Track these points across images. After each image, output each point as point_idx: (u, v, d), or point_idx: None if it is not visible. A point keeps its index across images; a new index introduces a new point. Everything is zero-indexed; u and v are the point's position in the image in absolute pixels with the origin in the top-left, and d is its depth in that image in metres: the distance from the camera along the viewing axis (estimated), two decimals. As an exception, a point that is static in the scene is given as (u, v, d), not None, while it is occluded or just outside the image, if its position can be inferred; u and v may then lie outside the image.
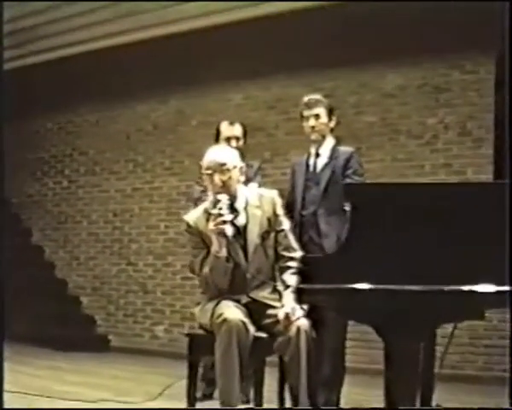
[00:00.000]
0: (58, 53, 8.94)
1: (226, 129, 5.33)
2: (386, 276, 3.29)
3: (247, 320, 3.81)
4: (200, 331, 4.06)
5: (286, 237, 4.09)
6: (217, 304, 3.93)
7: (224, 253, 3.89)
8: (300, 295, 3.74)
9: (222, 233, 3.85)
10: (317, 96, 4.95)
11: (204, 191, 4.96)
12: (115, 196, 9.18)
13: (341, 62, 7.48)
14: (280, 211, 4.12)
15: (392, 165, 7.21)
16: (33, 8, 8.05)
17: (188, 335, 4.15)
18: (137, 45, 8.46)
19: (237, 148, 4.90)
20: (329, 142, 4.94)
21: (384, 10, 6.89)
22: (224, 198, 3.87)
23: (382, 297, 3.30)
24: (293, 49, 7.55)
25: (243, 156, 4.24)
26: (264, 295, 4.02)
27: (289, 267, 3.98)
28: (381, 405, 3.56)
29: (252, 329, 3.82)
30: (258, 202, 4.07)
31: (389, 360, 3.36)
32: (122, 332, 8.96)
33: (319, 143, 4.93)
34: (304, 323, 3.82)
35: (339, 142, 4.99)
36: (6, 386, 4.04)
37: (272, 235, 4.06)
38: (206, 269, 3.96)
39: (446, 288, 3.25)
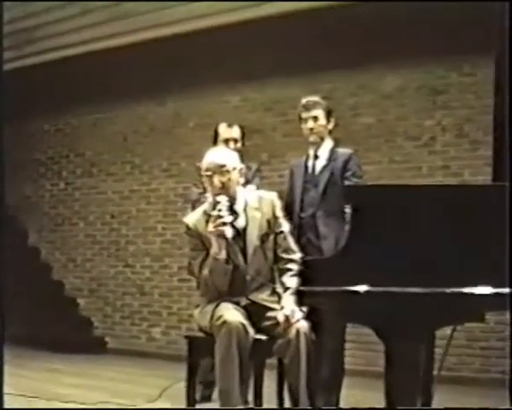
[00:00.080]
0: (55, 54, 8.92)
1: (224, 131, 5.33)
2: (386, 278, 3.29)
3: (246, 322, 3.81)
4: (200, 334, 4.06)
5: (285, 239, 4.09)
6: (216, 306, 3.92)
7: (223, 255, 3.88)
8: (301, 298, 3.74)
9: (221, 235, 3.85)
10: (316, 98, 4.94)
11: (202, 193, 4.97)
12: (112, 198, 9.17)
13: (339, 64, 7.47)
14: (279, 213, 4.12)
15: (389, 167, 7.21)
16: (31, 10, 8.05)
17: (187, 337, 4.14)
18: (134, 47, 8.44)
19: (235, 150, 4.89)
20: (328, 144, 4.94)
21: (382, 12, 6.88)
22: (223, 200, 3.87)
23: (383, 299, 3.30)
24: (291, 50, 7.54)
25: (242, 158, 4.23)
26: (263, 297, 4.01)
27: (289, 269, 3.98)
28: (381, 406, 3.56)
29: (251, 331, 3.82)
30: (257, 204, 4.07)
31: (389, 363, 3.36)
32: (119, 334, 8.95)
33: (317, 145, 4.93)
34: (303, 325, 3.82)
35: (337, 144, 4.99)
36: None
37: (272, 237, 4.06)
38: (205, 271, 3.95)
39: (447, 290, 3.26)
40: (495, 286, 3.26)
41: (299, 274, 3.89)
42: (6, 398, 4.10)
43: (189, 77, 8.32)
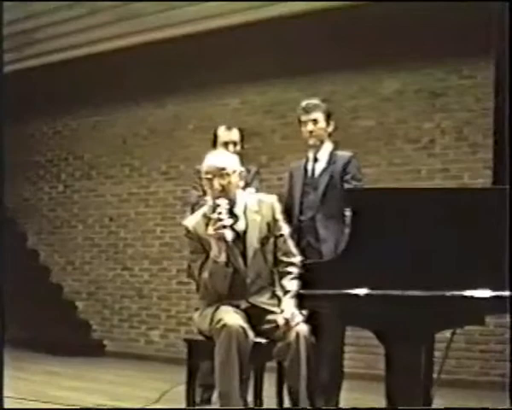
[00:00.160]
0: (54, 57, 8.91)
1: (224, 134, 5.32)
2: (386, 281, 3.28)
3: (246, 326, 3.80)
4: (199, 337, 4.05)
5: (285, 242, 4.09)
6: (216, 309, 3.91)
7: (223, 258, 3.88)
8: (301, 301, 3.73)
9: (221, 238, 3.84)
10: (316, 101, 4.94)
11: (201, 196, 4.96)
12: (111, 201, 9.16)
13: (338, 67, 7.48)
14: (279, 216, 4.12)
15: (388, 170, 7.20)
16: (30, 12, 8.03)
17: (187, 340, 4.13)
18: (134, 49, 8.44)
19: (235, 153, 4.88)
20: (327, 146, 4.94)
21: (381, 15, 6.89)
22: (223, 203, 3.86)
23: (383, 303, 3.29)
24: (290, 53, 7.54)
25: (242, 161, 4.23)
26: (263, 300, 4.01)
27: (288, 273, 3.98)
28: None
29: (251, 334, 3.81)
30: (257, 207, 4.07)
31: (390, 366, 3.35)
32: (117, 337, 8.93)
33: (317, 147, 4.92)
34: (303, 328, 3.82)
35: (337, 146, 4.98)
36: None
37: (271, 240, 4.06)
38: (205, 274, 3.95)
39: (447, 293, 3.25)
40: (495, 289, 3.25)
41: (299, 277, 3.88)
42: (4, 401, 4.10)
43: (189, 79, 8.33)
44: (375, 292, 3.31)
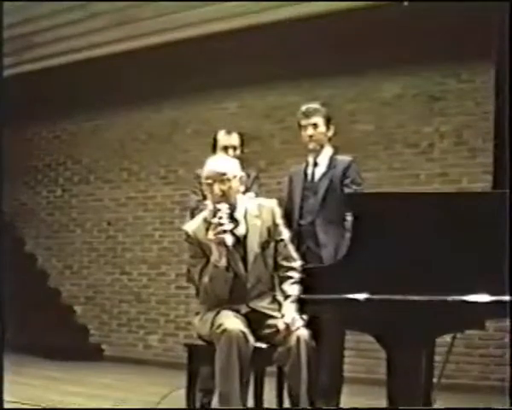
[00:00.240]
0: (53, 61, 8.91)
1: (223, 138, 5.30)
2: (387, 286, 3.28)
3: (246, 330, 3.79)
4: (200, 342, 4.04)
5: (285, 246, 4.08)
6: (216, 314, 3.90)
7: (223, 262, 3.87)
8: (302, 306, 3.72)
9: (222, 243, 3.83)
10: (316, 105, 4.93)
11: (200, 201, 4.95)
12: (109, 205, 9.16)
13: (337, 71, 7.49)
14: (279, 220, 4.11)
15: (387, 174, 7.20)
16: (29, 16, 8.03)
17: (187, 345, 4.13)
18: (132, 53, 8.44)
19: (234, 157, 4.87)
20: (327, 151, 4.94)
21: (380, 19, 6.88)
22: (223, 207, 3.85)
23: (384, 307, 3.28)
24: (289, 57, 7.55)
25: (243, 166, 4.22)
26: (263, 305, 4.00)
27: (289, 277, 3.97)
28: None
29: (251, 339, 3.80)
30: (257, 211, 4.06)
31: (391, 370, 3.34)
32: (116, 342, 8.92)
33: (317, 152, 4.92)
34: (304, 333, 3.81)
35: (337, 151, 4.98)
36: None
37: (272, 244, 4.05)
38: (205, 279, 3.94)
39: (447, 298, 3.24)
40: (495, 294, 3.24)
41: (300, 282, 3.87)
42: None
43: (187, 84, 8.33)
44: (375, 297, 3.30)
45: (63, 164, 9.63)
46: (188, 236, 4.04)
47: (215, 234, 3.81)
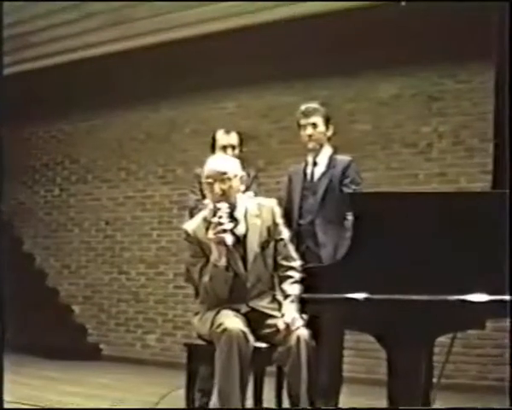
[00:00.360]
0: (50, 60, 8.91)
1: (222, 137, 5.30)
2: (388, 285, 3.28)
3: (247, 330, 3.79)
4: (199, 341, 4.04)
5: (285, 246, 4.08)
6: (216, 314, 3.90)
7: (223, 262, 3.87)
8: (303, 305, 3.72)
9: (222, 242, 3.83)
10: (315, 105, 4.93)
11: (199, 200, 4.95)
12: (107, 205, 9.16)
13: (335, 71, 7.49)
14: (279, 220, 4.11)
15: (385, 174, 7.20)
16: (25, 16, 8.03)
17: (186, 345, 4.12)
18: (130, 53, 8.44)
19: (233, 156, 4.86)
20: (327, 150, 4.93)
21: (378, 19, 6.89)
22: (223, 207, 3.85)
23: (384, 307, 3.29)
24: (287, 57, 7.54)
25: (243, 165, 4.23)
26: (263, 304, 4.00)
27: (289, 277, 3.97)
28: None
29: (252, 339, 3.80)
30: (257, 211, 4.06)
31: (391, 370, 3.34)
32: (114, 341, 8.92)
33: (316, 151, 4.92)
34: (304, 333, 3.81)
35: (336, 150, 4.98)
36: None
37: (272, 244, 4.05)
38: (205, 278, 3.93)
39: (448, 297, 3.25)
40: (495, 293, 3.25)
41: (300, 281, 3.87)
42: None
43: (185, 83, 8.33)
44: (375, 296, 3.31)
45: (61, 163, 9.62)
46: (187, 235, 4.04)
47: (215, 233, 3.81)
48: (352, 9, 7.03)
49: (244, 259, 3.97)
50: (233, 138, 5.30)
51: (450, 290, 3.26)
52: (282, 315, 3.86)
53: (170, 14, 7.83)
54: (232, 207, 3.94)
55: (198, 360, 4.03)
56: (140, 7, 7.84)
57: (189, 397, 3.99)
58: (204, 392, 5.09)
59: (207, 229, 3.91)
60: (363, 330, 3.55)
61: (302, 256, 4.26)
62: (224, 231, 3.81)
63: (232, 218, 3.92)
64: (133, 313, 8.81)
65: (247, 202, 4.10)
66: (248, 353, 3.75)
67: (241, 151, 5.31)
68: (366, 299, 3.32)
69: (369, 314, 3.35)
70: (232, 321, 3.79)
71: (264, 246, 4.02)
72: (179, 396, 4.18)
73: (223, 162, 4.06)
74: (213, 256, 3.87)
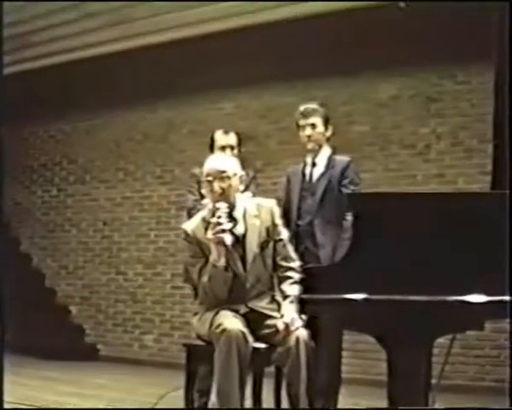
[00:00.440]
0: (48, 61, 8.90)
1: (221, 138, 5.29)
2: (387, 286, 3.27)
3: (246, 331, 3.78)
4: (198, 342, 4.03)
5: (284, 246, 4.08)
6: (215, 314, 3.89)
7: (222, 262, 3.86)
8: (302, 306, 3.72)
9: (221, 242, 3.83)
10: (314, 106, 4.92)
11: (197, 200, 4.95)
12: (105, 205, 9.15)
13: (333, 72, 7.49)
14: (278, 220, 4.11)
15: (383, 175, 7.20)
16: (25, 16, 8.02)
17: (186, 345, 4.12)
18: (128, 53, 8.44)
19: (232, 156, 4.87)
20: (326, 151, 4.92)
21: (377, 20, 6.89)
22: (222, 207, 3.85)
23: (384, 307, 3.28)
24: (285, 58, 7.55)
25: (243, 165, 4.23)
26: (262, 305, 3.99)
27: (288, 277, 3.97)
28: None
29: (251, 339, 3.79)
30: (256, 211, 4.06)
31: (391, 371, 3.34)
32: (111, 342, 8.92)
33: (315, 152, 4.91)
34: (303, 333, 3.80)
35: (335, 151, 4.97)
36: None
37: (271, 244, 4.04)
38: (204, 278, 3.93)
39: (447, 298, 3.24)
40: (495, 294, 3.24)
41: (299, 282, 3.86)
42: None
43: (183, 84, 8.32)
44: (375, 297, 3.30)
45: (59, 164, 9.62)
46: (186, 235, 4.04)
47: (214, 233, 3.81)
48: (352, 10, 7.03)
49: (243, 259, 3.97)
50: (232, 139, 5.29)
51: (449, 291, 3.25)
52: (282, 316, 3.85)
53: (169, 14, 7.83)
54: (231, 207, 3.94)
55: (197, 360, 4.02)
56: (139, 7, 7.83)
57: (188, 397, 3.98)
58: (202, 392, 5.10)
59: (206, 229, 3.90)
60: (363, 331, 3.54)
61: (301, 257, 4.25)
62: (223, 231, 3.81)
63: (231, 218, 3.91)
64: (131, 313, 8.80)
65: (246, 202, 4.10)
66: (247, 353, 3.74)
67: (239, 151, 5.31)
68: (365, 299, 3.31)
69: (368, 315, 3.34)
70: (231, 322, 3.79)
71: (263, 246, 4.01)
72: (177, 397, 4.17)
73: (222, 161, 4.08)
74: (212, 256, 3.86)
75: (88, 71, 8.75)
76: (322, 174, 4.86)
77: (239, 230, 3.98)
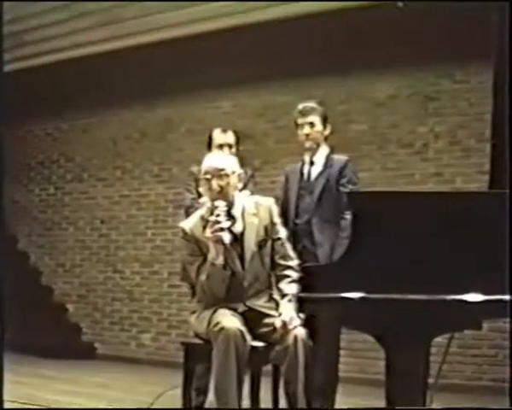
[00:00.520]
0: (45, 59, 8.89)
1: (219, 136, 5.29)
2: (386, 285, 3.27)
3: (244, 329, 3.78)
4: (196, 340, 4.03)
5: (283, 245, 4.09)
6: (213, 312, 3.89)
7: (221, 260, 3.86)
8: (300, 304, 3.71)
9: (219, 240, 3.83)
10: (312, 104, 4.92)
11: (195, 199, 4.95)
12: (102, 203, 9.14)
13: (331, 71, 7.47)
14: (277, 219, 4.11)
15: (381, 174, 7.19)
16: (21, 14, 8.01)
17: (183, 344, 4.12)
18: (125, 52, 8.42)
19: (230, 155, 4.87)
20: (324, 150, 4.93)
21: (374, 19, 6.88)
22: (221, 205, 3.85)
23: (382, 306, 3.28)
24: (283, 56, 7.53)
25: (242, 163, 4.23)
26: (260, 303, 4.00)
27: (286, 276, 3.97)
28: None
29: (249, 338, 3.80)
30: (254, 209, 4.06)
31: (390, 369, 3.34)
32: (108, 340, 8.90)
33: (313, 151, 4.91)
34: (301, 332, 3.81)
35: (333, 150, 4.97)
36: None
37: (269, 243, 4.05)
38: (202, 276, 3.93)
39: (446, 297, 3.24)
40: (494, 294, 3.24)
41: (297, 281, 3.86)
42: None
43: (180, 82, 8.30)
44: (373, 296, 3.30)
45: (56, 162, 9.60)
46: (185, 233, 4.04)
47: (212, 232, 3.81)
48: (343, 10, 7.01)
49: (241, 257, 3.97)
50: (230, 137, 5.30)
51: (447, 290, 3.25)
52: (280, 314, 3.86)
53: (160, 14, 7.84)
54: (229, 206, 3.94)
55: (195, 358, 4.02)
56: (130, 7, 7.85)
57: (186, 396, 3.98)
58: (200, 391, 5.10)
59: (205, 227, 3.90)
60: (361, 330, 3.54)
61: (299, 255, 4.25)
62: (222, 229, 3.81)
63: (229, 216, 3.92)
64: (128, 311, 8.79)
65: (244, 201, 4.10)
66: (245, 352, 3.74)
67: (237, 150, 5.31)
68: (363, 298, 3.31)
69: (366, 314, 3.34)
70: (229, 320, 3.79)
71: (261, 245, 4.02)
72: (174, 395, 4.16)
73: (221, 159, 4.08)
74: (211, 255, 3.86)
75: (84, 70, 8.73)
76: (321, 173, 4.86)
77: (237, 228, 3.98)
